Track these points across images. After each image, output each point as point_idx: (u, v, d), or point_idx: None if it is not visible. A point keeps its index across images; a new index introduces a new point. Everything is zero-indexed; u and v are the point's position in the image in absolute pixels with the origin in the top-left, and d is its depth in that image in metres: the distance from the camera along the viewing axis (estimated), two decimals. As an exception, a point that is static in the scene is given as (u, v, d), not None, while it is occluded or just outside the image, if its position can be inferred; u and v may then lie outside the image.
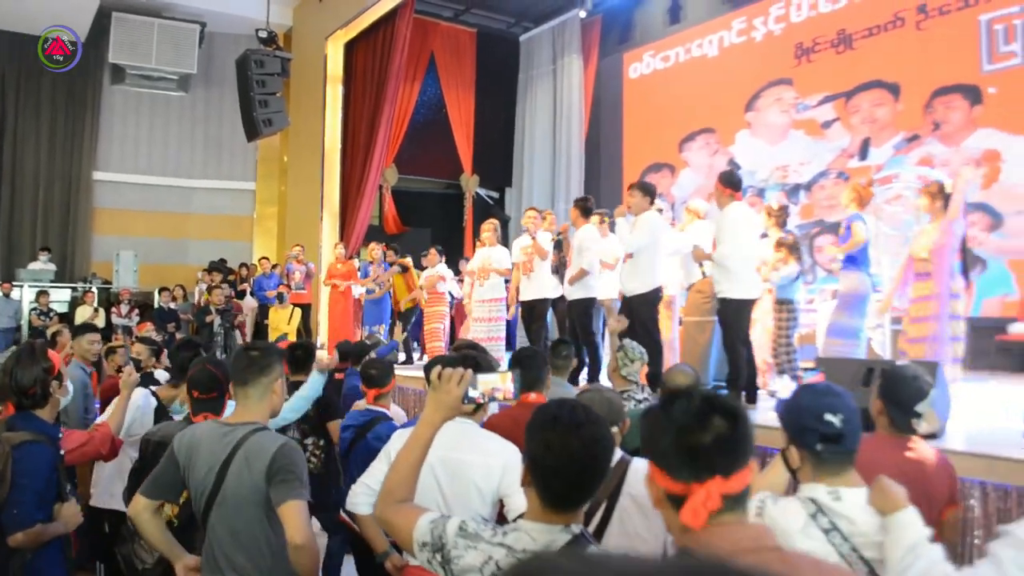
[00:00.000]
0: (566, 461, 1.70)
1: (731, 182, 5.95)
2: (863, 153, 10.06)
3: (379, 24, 12.63)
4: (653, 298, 6.40)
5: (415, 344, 9.88)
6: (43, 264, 13.37)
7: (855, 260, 6.11)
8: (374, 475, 3.05)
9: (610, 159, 13.60)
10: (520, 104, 15.15)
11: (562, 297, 7.64)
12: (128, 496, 3.32)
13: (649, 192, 6.48)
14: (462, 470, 2.76)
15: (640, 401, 4.17)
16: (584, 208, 7.42)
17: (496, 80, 14.92)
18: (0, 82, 14.06)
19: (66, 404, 3.76)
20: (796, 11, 10.94)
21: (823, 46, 10.59)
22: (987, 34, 8.85)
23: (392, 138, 13.32)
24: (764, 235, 6.77)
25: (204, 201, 15.39)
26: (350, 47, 13.36)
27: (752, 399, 5.75)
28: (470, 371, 1.99)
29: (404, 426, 3.35)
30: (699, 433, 1.38)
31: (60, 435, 3.18)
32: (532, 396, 3.57)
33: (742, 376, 5.74)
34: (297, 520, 2.44)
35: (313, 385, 3.82)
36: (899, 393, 2.87)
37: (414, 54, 13.46)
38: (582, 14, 13.64)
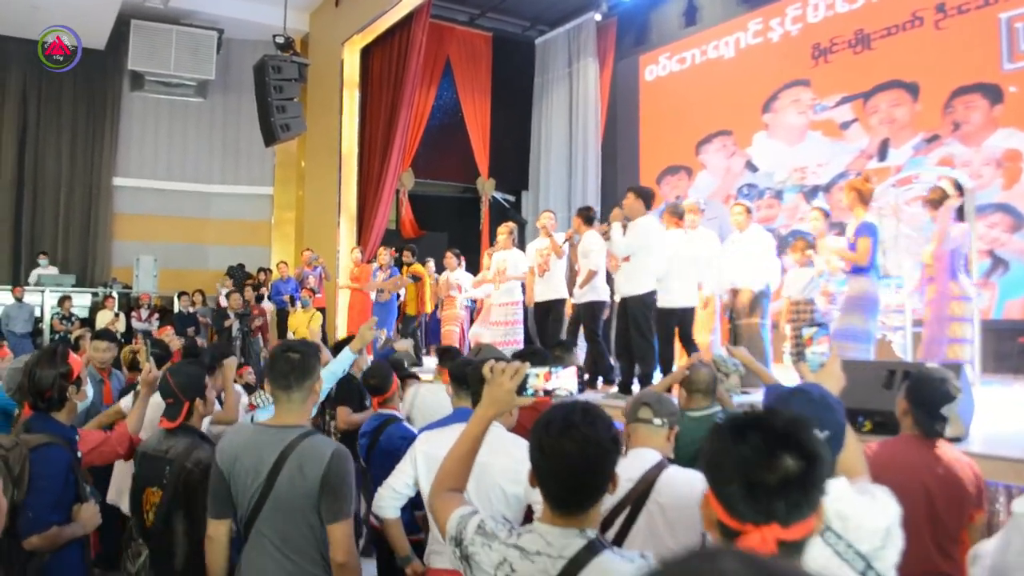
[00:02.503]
0: (559, 464, 1.72)
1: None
2: (882, 154, 9.98)
3: (395, 29, 12.65)
4: (648, 300, 6.46)
5: (426, 349, 9.95)
6: (43, 268, 13.46)
7: (869, 263, 6.05)
8: (399, 478, 3.06)
9: (626, 162, 13.56)
10: (536, 107, 15.14)
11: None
12: (133, 501, 3.33)
13: (644, 196, 6.55)
14: (487, 472, 2.76)
15: None
16: (587, 217, 7.56)
17: (512, 83, 14.92)
18: (22, 89, 14.22)
19: (84, 407, 3.78)
20: (813, 11, 10.87)
21: (840, 46, 10.52)
22: (1007, 32, 8.76)
23: (409, 142, 13.33)
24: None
25: (222, 206, 15.48)
26: (366, 52, 13.39)
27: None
28: (526, 365, 1.97)
29: (428, 427, 3.34)
30: (765, 471, 1.27)
31: (77, 437, 3.19)
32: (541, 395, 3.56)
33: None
34: (343, 539, 2.48)
35: (342, 362, 3.79)
36: (925, 396, 2.83)
37: (430, 58, 13.47)
38: (597, 17, 13.64)
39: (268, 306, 12.08)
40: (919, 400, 2.82)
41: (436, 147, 14.26)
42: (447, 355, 4.87)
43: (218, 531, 2.65)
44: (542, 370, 1.93)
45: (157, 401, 4.17)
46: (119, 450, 3.77)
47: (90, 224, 14.60)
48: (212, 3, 13.80)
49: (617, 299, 6.85)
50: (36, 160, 14.31)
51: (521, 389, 1.95)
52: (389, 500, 3.07)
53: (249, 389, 5.69)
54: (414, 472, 3.03)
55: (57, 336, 11.75)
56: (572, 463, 1.71)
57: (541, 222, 7.74)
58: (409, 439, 3.51)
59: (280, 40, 11.62)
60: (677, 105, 12.77)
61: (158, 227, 14.95)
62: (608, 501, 2.16)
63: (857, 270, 5.91)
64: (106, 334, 5.32)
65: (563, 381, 1.91)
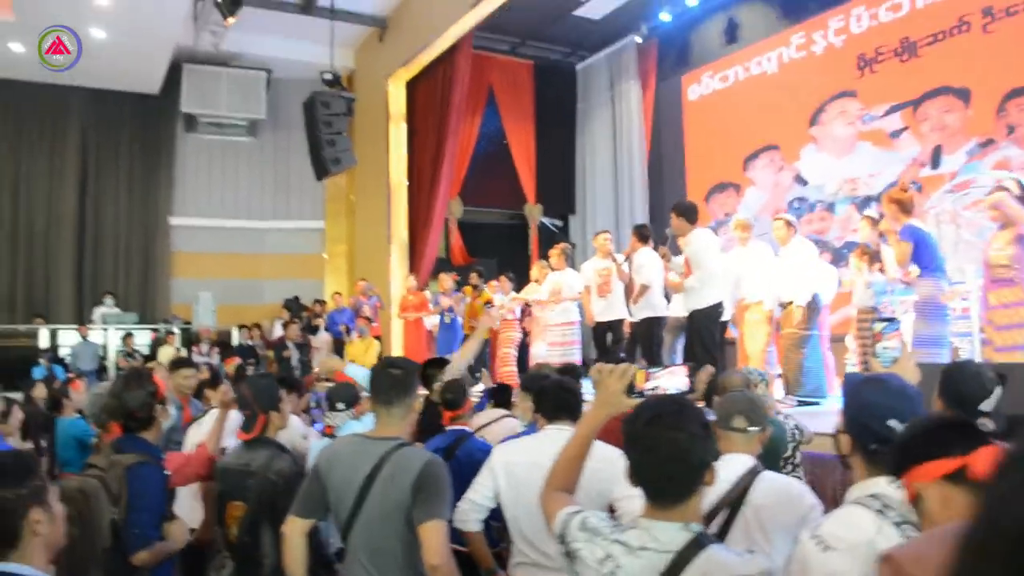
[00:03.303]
0: (651, 455, 1.76)
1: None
2: (935, 161, 9.85)
3: (438, 61, 12.87)
4: (713, 314, 6.42)
5: (483, 370, 9.95)
6: (108, 308, 13.82)
7: (928, 267, 5.97)
8: (479, 490, 3.09)
9: (673, 182, 13.56)
10: (580, 132, 15.26)
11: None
12: (216, 515, 3.41)
13: (685, 211, 6.55)
14: None
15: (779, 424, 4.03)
16: (641, 234, 7.61)
17: (555, 109, 15.06)
18: (81, 135, 14.72)
19: (168, 427, 3.89)
20: (856, 22, 10.83)
21: (886, 55, 10.45)
22: (1058, 33, 8.65)
23: (456, 171, 13.52)
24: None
25: (276, 241, 15.78)
26: (411, 85, 13.64)
27: None
28: (633, 366, 2.02)
29: (508, 439, 3.38)
30: None
31: (163, 457, 3.29)
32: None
33: None
34: (436, 540, 2.45)
35: (471, 352, 3.87)
36: (961, 392, 2.75)
37: (473, 88, 13.66)
38: (638, 39, 13.74)
39: (324, 337, 12.25)
40: (954, 396, 2.73)
41: (483, 175, 14.42)
42: (502, 395, 4.89)
43: (292, 528, 2.70)
44: (657, 371, 1.98)
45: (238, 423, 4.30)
46: (201, 471, 3.86)
47: (149, 263, 15.01)
48: (260, 44, 14.16)
49: (685, 315, 6.87)
50: (96, 203, 14.78)
51: (630, 390, 2.00)
52: (471, 513, 3.10)
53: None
54: (494, 483, 3.07)
55: (122, 371, 12.05)
56: (663, 453, 1.74)
57: (599, 242, 7.78)
58: (484, 451, 3.55)
59: (328, 76, 11.89)
60: (722, 122, 12.76)
61: (214, 264, 15.29)
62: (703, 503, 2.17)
63: (924, 269, 5.84)
64: (188, 362, 5.49)
65: (666, 381, 1.96)
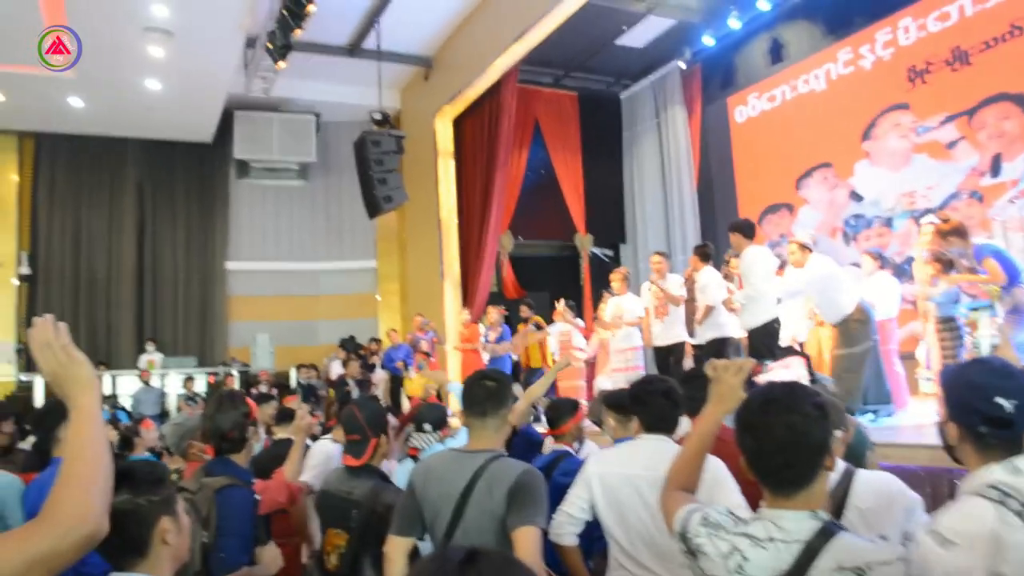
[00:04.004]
0: (764, 440, 1.72)
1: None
2: (995, 169, 9.66)
3: (484, 97, 12.99)
4: (769, 329, 6.32)
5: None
6: (151, 354, 14.02)
7: (1014, 276, 5.83)
8: (574, 502, 3.05)
9: (725, 204, 13.46)
10: (627, 160, 15.26)
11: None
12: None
13: (740, 229, 6.53)
14: (652, 484, 2.74)
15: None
16: (703, 254, 7.52)
17: (601, 139, 15.09)
18: (138, 185, 15.16)
19: (259, 450, 3.91)
20: (904, 34, 10.72)
21: (937, 66, 10.32)
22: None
23: (505, 205, 13.57)
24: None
25: (329, 282, 15.97)
26: (458, 121, 13.78)
27: None
28: (751, 360, 1.98)
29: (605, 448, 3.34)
30: None
31: (254, 480, 3.29)
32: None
33: None
34: (529, 546, 2.39)
35: (544, 385, 3.85)
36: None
37: (519, 122, 13.74)
38: (682, 65, 13.76)
39: (381, 374, 12.28)
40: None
41: (532, 207, 14.45)
42: (560, 412, 4.69)
43: (395, 548, 2.65)
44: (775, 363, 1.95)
45: (327, 451, 4.30)
46: (279, 498, 3.85)
47: (206, 308, 15.31)
48: (308, 89, 14.45)
49: (744, 334, 6.77)
50: (154, 251, 15.16)
51: (748, 384, 1.96)
52: (567, 526, 3.04)
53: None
54: (589, 495, 3.02)
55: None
56: (778, 438, 1.70)
57: (652, 265, 7.73)
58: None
59: (377, 116, 12.07)
60: (771, 143, 12.67)
61: (270, 307, 15.52)
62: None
63: (1012, 278, 5.69)
64: (270, 396, 5.59)
65: (781, 374, 1.92)
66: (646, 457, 2.94)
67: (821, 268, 6.51)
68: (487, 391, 2.69)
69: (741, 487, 2.69)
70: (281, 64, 11.15)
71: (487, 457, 2.59)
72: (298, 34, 10.32)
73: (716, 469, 2.72)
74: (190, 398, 12.48)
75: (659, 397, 3.10)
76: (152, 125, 14.08)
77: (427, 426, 3.97)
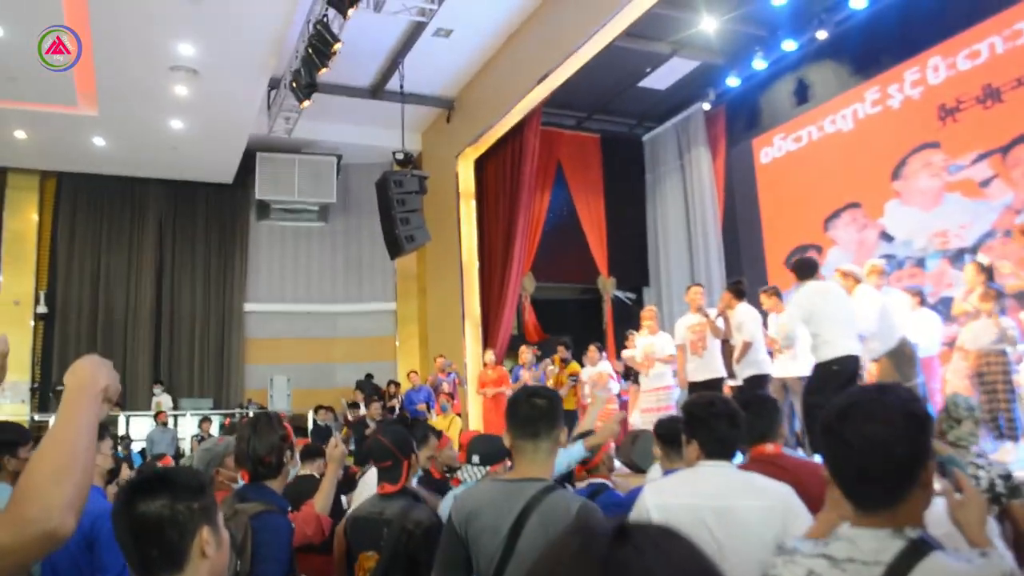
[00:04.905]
0: (844, 449, 1.57)
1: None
2: (1032, 207, 9.47)
3: (506, 138, 12.96)
4: (842, 364, 6.05)
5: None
6: (159, 396, 13.83)
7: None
8: None
9: (750, 247, 13.28)
10: (650, 202, 15.17)
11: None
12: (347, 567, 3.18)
13: (796, 268, 6.38)
14: (737, 516, 2.52)
15: (981, 468, 3.48)
16: (737, 290, 7.34)
17: (623, 181, 15.03)
18: (158, 226, 15.14)
19: (294, 474, 3.70)
20: (934, 73, 10.61)
21: (968, 103, 10.18)
22: None
23: (528, 247, 13.44)
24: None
25: (347, 324, 15.83)
26: (480, 162, 13.73)
27: None
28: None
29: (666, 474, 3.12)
30: None
31: (289, 508, 3.08)
32: (769, 448, 3.30)
33: None
34: None
35: (572, 456, 3.63)
36: None
37: (542, 164, 13.68)
38: (706, 106, 13.71)
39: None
40: None
41: (554, 250, 14.33)
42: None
43: None
44: None
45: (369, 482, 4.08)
46: (307, 530, 3.63)
47: (223, 349, 15.15)
48: (330, 131, 14.47)
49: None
50: (172, 291, 15.11)
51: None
52: None
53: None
54: None
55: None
56: (858, 449, 1.53)
57: (691, 296, 7.52)
58: (624, 505, 3.29)
59: (399, 156, 12.03)
60: (798, 184, 12.52)
61: (288, 349, 15.37)
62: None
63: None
64: (301, 430, 5.38)
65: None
66: (711, 486, 2.71)
67: (874, 296, 6.35)
68: (539, 410, 2.45)
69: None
70: (305, 103, 11.13)
71: (538, 488, 2.35)
72: (323, 72, 10.29)
73: (787, 497, 2.55)
74: (203, 439, 12.28)
75: (723, 420, 2.87)
76: (174, 165, 14.10)
77: (475, 458, 3.71)
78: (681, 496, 2.77)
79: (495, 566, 2.32)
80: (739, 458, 3.05)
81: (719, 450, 2.83)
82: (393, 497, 3.05)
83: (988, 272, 7.00)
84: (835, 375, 5.86)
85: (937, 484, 1.69)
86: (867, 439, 1.51)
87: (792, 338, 6.43)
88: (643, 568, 0.77)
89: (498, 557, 2.31)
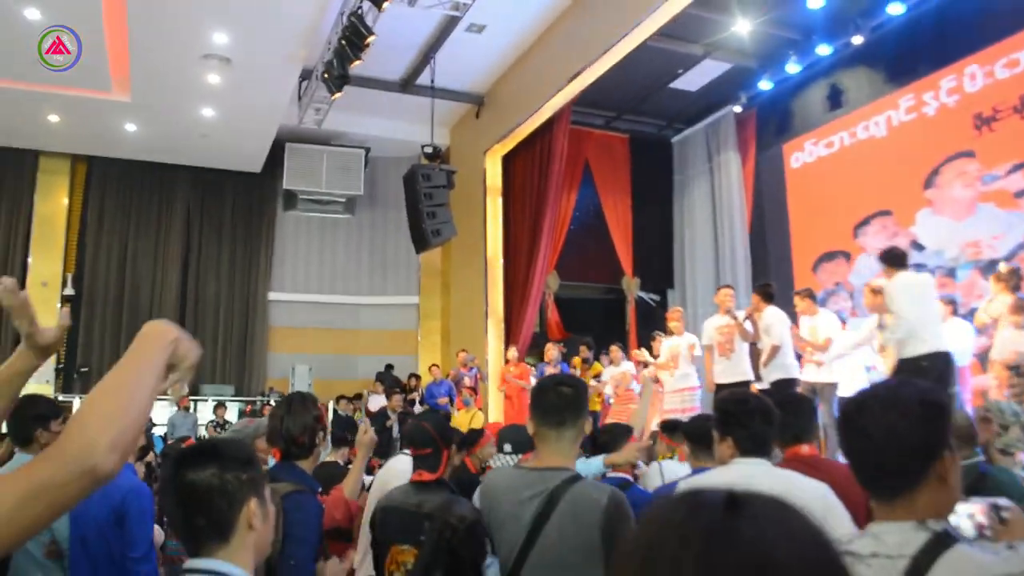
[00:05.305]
0: (858, 439, 1.57)
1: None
2: (1068, 220, 9.34)
3: (535, 136, 12.95)
4: (922, 364, 5.94)
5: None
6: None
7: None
8: None
9: (778, 251, 13.17)
10: (677, 204, 15.10)
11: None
12: (375, 558, 3.15)
13: (893, 258, 6.29)
14: None
15: None
16: (766, 293, 7.28)
17: (651, 182, 14.97)
18: (186, 213, 15.25)
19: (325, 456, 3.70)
20: (970, 81, 10.48)
21: (1005, 113, 10.04)
22: None
23: (553, 245, 13.42)
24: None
25: (370, 317, 15.87)
26: (508, 159, 13.72)
27: None
28: None
29: (695, 472, 3.08)
30: None
31: (319, 488, 3.08)
32: (804, 449, 3.26)
33: None
34: None
35: (591, 469, 3.60)
36: None
37: (569, 163, 13.64)
38: (737, 109, 13.62)
39: (421, 410, 12.05)
40: None
41: (579, 249, 14.31)
42: (614, 437, 4.50)
43: None
44: None
45: (397, 468, 4.06)
46: (335, 514, 3.65)
47: (247, 337, 15.22)
48: (360, 123, 14.50)
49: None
50: (198, 278, 15.20)
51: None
52: None
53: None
54: None
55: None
56: (874, 439, 1.53)
57: (720, 298, 7.47)
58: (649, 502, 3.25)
59: (428, 150, 12.04)
60: (828, 190, 12.40)
61: (311, 339, 15.43)
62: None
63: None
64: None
65: None
66: (748, 483, 2.67)
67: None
68: (565, 398, 2.44)
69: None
70: (336, 95, 11.16)
71: (563, 477, 2.34)
72: (355, 65, 10.31)
73: (825, 495, 2.51)
74: (220, 425, 12.34)
75: (758, 417, 2.84)
76: (204, 153, 14.17)
77: (507, 447, 3.69)
78: (711, 492, 2.74)
79: (516, 553, 2.32)
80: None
81: (754, 447, 2.80)
82: (431, 488, 2.94)
83: (1016, 280, 6.84)
84: (923, 372, 5.72)
85: (979, 511, 1.68)
86: (882, 429, 1.52)
87: (910, 328, 5.99)
88: (757, 538, 0.71)
89: (520, 544, 2.32)
